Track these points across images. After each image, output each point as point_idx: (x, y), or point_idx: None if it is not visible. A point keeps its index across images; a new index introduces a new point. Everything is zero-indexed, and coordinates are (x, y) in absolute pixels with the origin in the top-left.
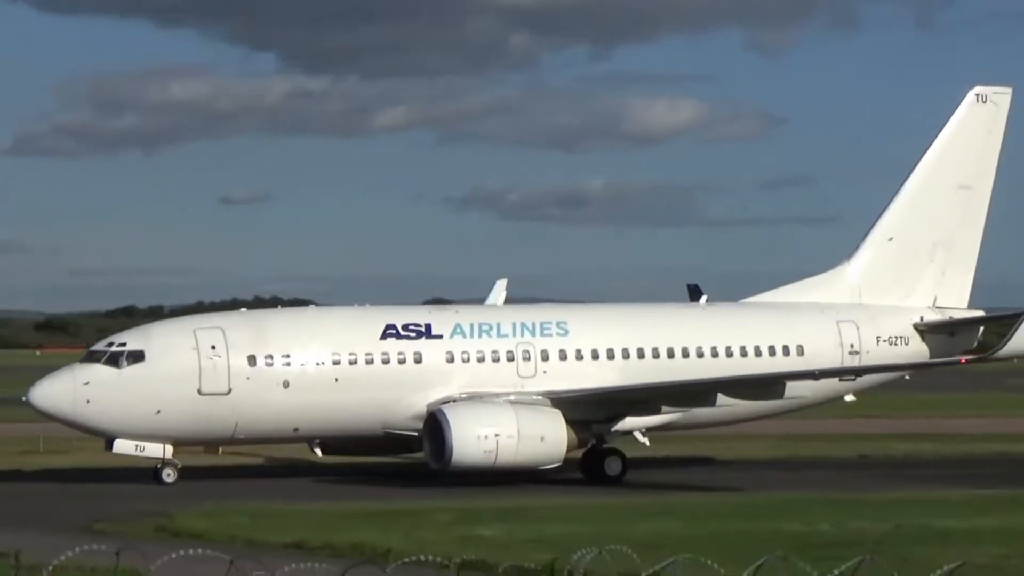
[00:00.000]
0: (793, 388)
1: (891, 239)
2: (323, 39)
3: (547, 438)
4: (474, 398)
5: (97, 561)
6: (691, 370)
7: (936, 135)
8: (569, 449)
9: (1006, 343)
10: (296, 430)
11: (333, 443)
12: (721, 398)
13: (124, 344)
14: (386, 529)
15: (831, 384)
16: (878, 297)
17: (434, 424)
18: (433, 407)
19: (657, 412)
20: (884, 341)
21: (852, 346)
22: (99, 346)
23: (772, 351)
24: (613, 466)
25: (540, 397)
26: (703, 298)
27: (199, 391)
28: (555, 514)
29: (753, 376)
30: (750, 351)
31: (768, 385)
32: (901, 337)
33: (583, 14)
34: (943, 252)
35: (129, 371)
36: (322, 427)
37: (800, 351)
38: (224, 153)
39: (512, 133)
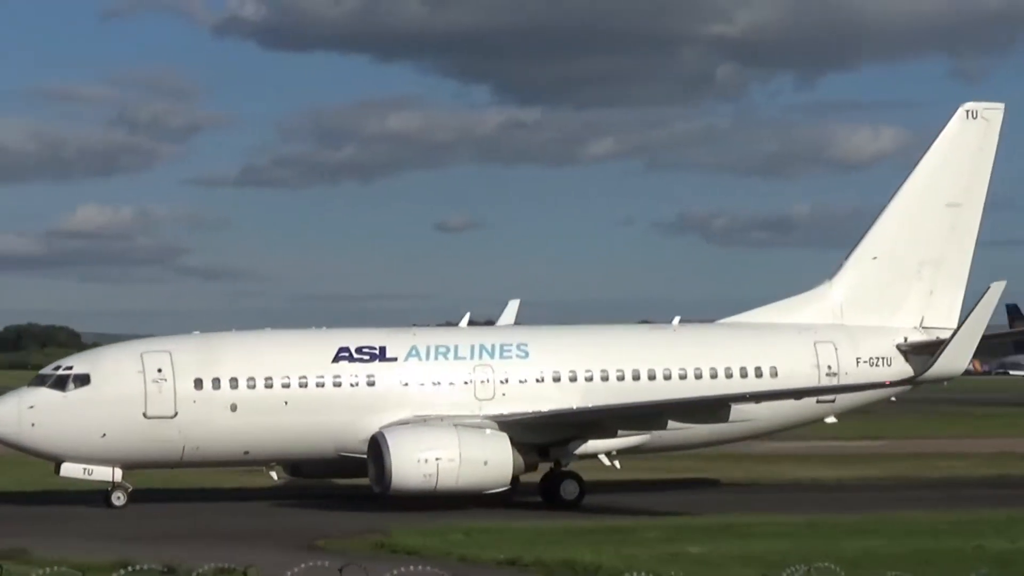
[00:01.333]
0: (745, 411)
1: (875, 257)
2: (535, 71)
3: (491, 462)
4: (419, 422)
5: None
6: (657, 393)
7: (924, 152)
8: (516, 473)
9: (931, 366)
10: (247, 453)
11: (304, 465)
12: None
13: (71, 368)
14: (596, 546)
15: (808, 406)
16: (861, 317)
17: (375, 447)
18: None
19: (612, 435)
20: (864, 362)
21: (830, 367)
22: (47, 370)
23: (744, 373)
24: (569, 489)
25: (487, 420)
26: (675, 319)
27: (144, 414)
28: (763, 531)
29: (695, 399)
30: (720, 373)
31: (713, 408)
32: (883, 358)
33: (789, 44)
34: (931, 271)
35: (74, 395)
36: (273, 450)
37: (774, 372)
38: (439, 182)
39: (719, 160)
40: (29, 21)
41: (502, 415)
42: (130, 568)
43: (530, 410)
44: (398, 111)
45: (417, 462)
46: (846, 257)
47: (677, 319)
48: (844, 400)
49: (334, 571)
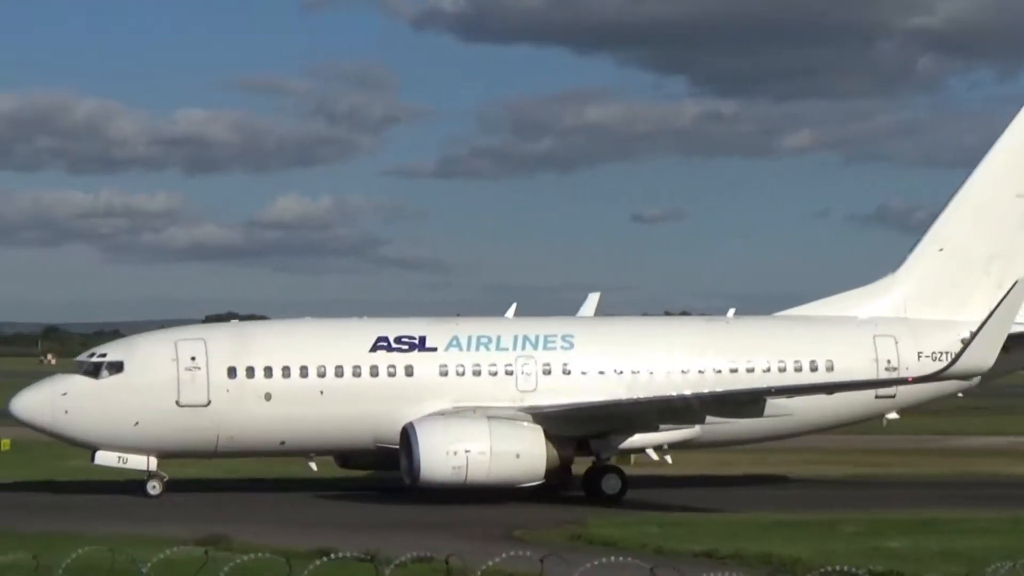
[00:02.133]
0: (785, 406)
1: (941, 250)
2: (733, 63)
3: (523, 455)
4: (451, 413)
5: (519, 567)
6: (705, 386)
7: (994, 142)
8: (550, 467)
9: (955, 362)
10: (282, 443)
11: (352, 457)
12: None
13: (105, 355)
14: (793, 540)
15: (864, 401)
16: (925, 311)
17: (405, 439)
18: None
19: (654, 429)
20: (926, 357)
21: (889, 362)
22: (82, 356)
23: (798, 367)
24: (610, 484)
25: (521, 412)
26: (730, 311)
27: (177, 403)
28: (966, 526)
29: (724, 392)
30: (773, 367)
31: (746, 402)
32: (947, 353)
33: (990, 36)
34: (1000, 264)
35: (108, 382)
36: (310, 441)
37: (830, 367)
38: (636, 174)
39: (918, 153)
40: (233, 15)
41: (543, 407)
42: (331, 556)
43: (572, 402)
44: (596, 103)
45: (446, 454)
46: (911, 249)
47: (732, 311)
48: (906, 395)
49: (535, 561)
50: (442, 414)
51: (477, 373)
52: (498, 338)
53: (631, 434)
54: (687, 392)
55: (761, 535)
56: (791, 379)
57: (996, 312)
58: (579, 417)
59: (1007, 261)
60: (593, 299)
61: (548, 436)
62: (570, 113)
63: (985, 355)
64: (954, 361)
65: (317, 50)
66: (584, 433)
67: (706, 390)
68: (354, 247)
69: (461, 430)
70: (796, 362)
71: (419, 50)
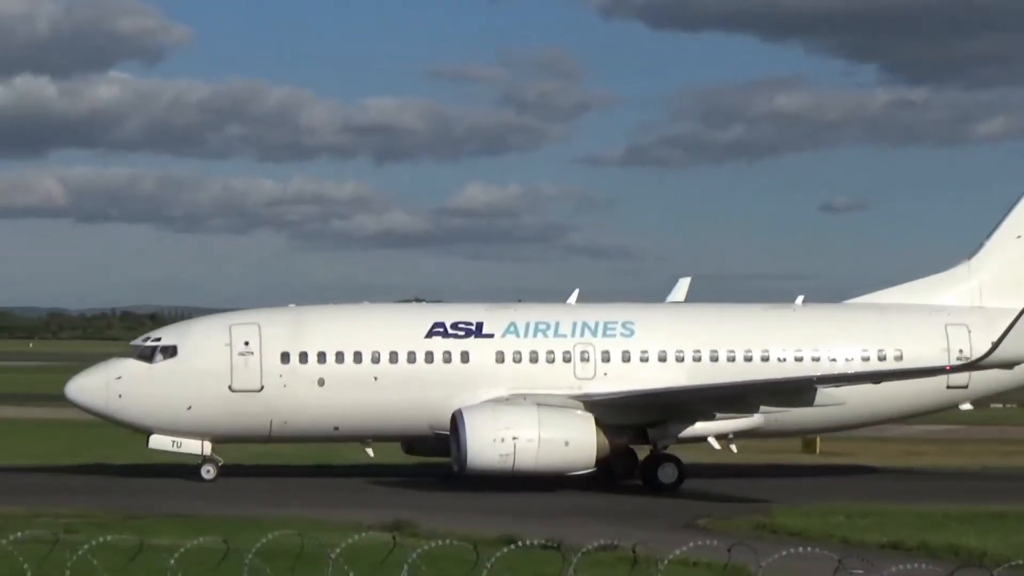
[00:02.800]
0: (837, 395)
1: (1020, 237)
2: (924, 50)
3: (572, 442)
4: (500, 400)
5: (706, 556)
6: (767, 374)
7: None
8: (601, 455)
9: (994, 349)
10: (336, 429)
11: (416, 443)
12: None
13: (159, 339)
14: (983, 532)
15: (932, 391)
16: (1002, 299)
17: (454, 426)
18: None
19: (709, 417)
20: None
21: (961, 351)
22: (137, 341)
23: (866, 356)
24: (668, 473)
25: (572, 400)
26: (799, 298)
27: (230, 387)
28: None
29: (771, 380)
30: (839, 355)
31: (795, 390)
32: None
33: None
34: None
35: (161, 366)
36: (364, 427)
37: (899, 356)
38: (825, 162)
39: None
40: (422, 3)
41: (596, 395)
42: (518, 544)
43: (625, 390)
44: (785, 91)
45: (493, 441)
46: (987, 236)
47: (800, 298)
48: (980, 385)
49: (722, 551)
50: (495, 401)
51: (534, 360)
52: (557, 324)
53: (688, 423)
54: (742, 380)
55: (948, 527)
56: (857, 368)
57: None
58: (630, 405)
59: None
60: (684, 284)
61: (600, 424)
62: (759, 101)
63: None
64: (992, 349)
65: (505, 38)
66: (638, 421)
67: (770, 378)
68: (542, 234)
69: (509, 417)
70: (864, 351)
71: (608, 37)
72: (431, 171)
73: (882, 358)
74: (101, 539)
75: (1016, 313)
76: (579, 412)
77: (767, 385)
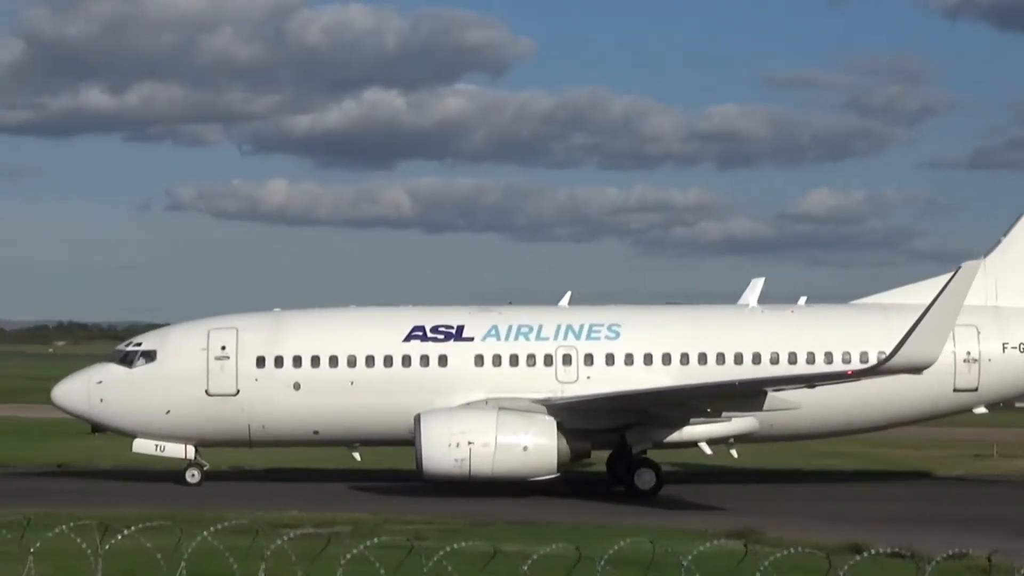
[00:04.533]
0: (786, 399)
1: None
2: None
3: (531, 448)
4: (463, 405)
5: None
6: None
7: None
8: (562, 461)
9: (895, 353)
10: (316, 433)
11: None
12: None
13: (140, 344)
14: None
15: (935, 394)
16: (1018, 299)
17: (416, 430)
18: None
19: (678, 421)
20: (1013, 348)
21: (969, 353)
22: (120, 345)
23: (864, 358)
24: (644, 479)
25: (536, 404)
26: (802, 299)
27: (207, 392)
28: None
29: (709, 385)
30: (836, 357)
31: (749, 395)
32: None
33: None
34: None
35: (140, 371)
36: (343, 431)
37: None
38: None
39: None
40: (760, 10)
41: (558, 399)
42: (867, 552)
43: (586, 394)
44: None
45: (448, 446)
46: (1004, 233)
47: (804, 299)
48: (992, 389)
49: None
50: (461, 406)
51: (515, 363)
52: (540, 327)
53: (663, 427)
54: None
55: None
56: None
57: (940, 299)
58: (592, 409)
59: None
60: (757, 284)
61: (565, 429)
62: None
63: (929, 346)
64: (894, 353)
65: (845, 43)
66: (604, 426)
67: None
68: (886, 240)
69: (466, 422)
70: (863, 353)
71: (954, 39)
72: (774, 177)
73: (864, 360)
74: (455, 545)
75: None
76: (541, 417)
77: (702, 390)
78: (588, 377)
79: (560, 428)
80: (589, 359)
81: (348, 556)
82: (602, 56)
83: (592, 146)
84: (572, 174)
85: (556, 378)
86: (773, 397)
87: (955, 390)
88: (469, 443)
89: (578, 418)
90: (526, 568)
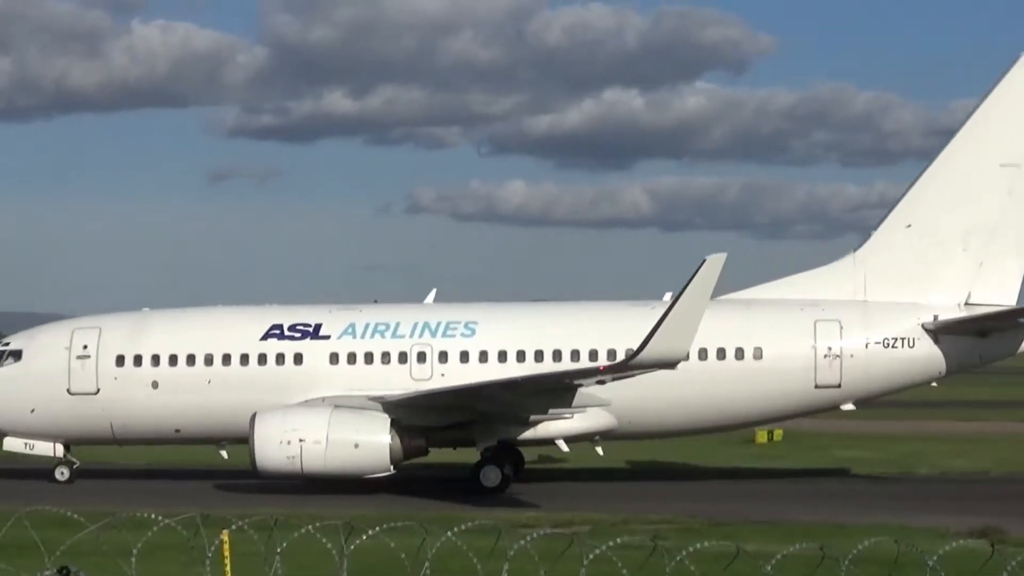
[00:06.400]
0: (597, 395)
1: (909, 226)
2: None
3: (363, 445)
4: (298, 403)
5: None
6: None
7: (975, 107)
8: (396, 458)
9: (641, 349)
10: (178, 431)
11: None
12: (647, 405)
13: (8, 344)
14: None
15: (798, 391)
16: (888, 293)
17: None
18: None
19: (519, 420)
20: (876, 343)
21: (830, 349)
22: None
23: (721, 354)
24: (489, 476)
25: (371, 401)
26: (666, 295)
27: (68, 391)
28: None
29: (508, 379)
30: (692, 354)
31: (556, 389)
32: (903, 339)
33: None
34: (981, 240)
35: (6, 370)
36: (203, 429)
37: (758, 354)
38: None
39: None
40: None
41: (392, 396)
42: None
43: (410, 392)
44: None
45: (279, 443)
46: (876, 226)
47: (669, 295)
48: (856, 386)
49: None
50: (299, 405)
51: (370, 361)
52: (396, 325)
53: (506, 424)
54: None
55: None
56: (715, 367)
57: (685, 293)
58: (422, 406)
59: (989, 236)
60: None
61: (401, 426)
62: None
63: (676, 341)
64: (641, 348)
65: None
66: (440, 423)
67: None
68: None
69: (298, 419)
70: (720, 349)
71: None
72: None
73: (739, 357)
74: (698, 545)
75: (897, 304)
76: (375, 414)
77: (504, 384)
78: (442, 375)
79: (395, 425)
80: (443, 357)
81: (591, 556)
82: (845, 51)
83: (833, 142)
84: (812, 171)
85: (411, 376)
86: (582, 394)
87: (816, 386)
88: (300, 440)
89: (413, 415)
90: (769, 568)
